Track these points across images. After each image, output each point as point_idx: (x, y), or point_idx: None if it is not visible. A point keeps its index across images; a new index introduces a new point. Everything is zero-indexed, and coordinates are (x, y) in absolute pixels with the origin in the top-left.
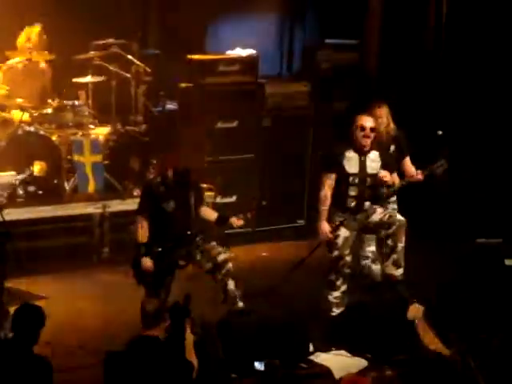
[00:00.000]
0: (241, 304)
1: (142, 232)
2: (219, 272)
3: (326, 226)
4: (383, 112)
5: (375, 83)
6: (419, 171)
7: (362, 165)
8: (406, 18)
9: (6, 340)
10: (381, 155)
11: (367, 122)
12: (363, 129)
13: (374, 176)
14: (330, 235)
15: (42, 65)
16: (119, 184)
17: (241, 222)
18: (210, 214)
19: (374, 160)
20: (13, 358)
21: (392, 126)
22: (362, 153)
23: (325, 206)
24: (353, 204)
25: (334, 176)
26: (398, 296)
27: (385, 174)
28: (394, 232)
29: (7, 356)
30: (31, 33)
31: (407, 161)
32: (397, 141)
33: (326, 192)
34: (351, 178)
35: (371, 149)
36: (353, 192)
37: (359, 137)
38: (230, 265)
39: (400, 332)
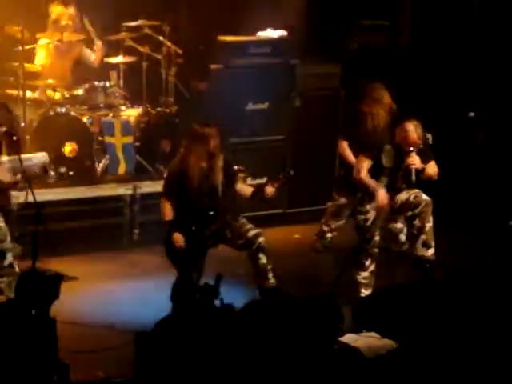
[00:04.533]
0: (272, 280)
1: (167, 210)
2: (251, 247)
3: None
4: None
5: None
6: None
7: None
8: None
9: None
10: None
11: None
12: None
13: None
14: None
15: (74, 45)
16: (150, 165)
17: (272, 190)
18: (245, 189)
19: None
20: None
21: None
22: None
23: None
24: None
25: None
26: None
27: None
28: (420, 212)
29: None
30: (63, 14)
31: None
32: None
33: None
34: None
35: None
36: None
37: None
38: (261, 239)
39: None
